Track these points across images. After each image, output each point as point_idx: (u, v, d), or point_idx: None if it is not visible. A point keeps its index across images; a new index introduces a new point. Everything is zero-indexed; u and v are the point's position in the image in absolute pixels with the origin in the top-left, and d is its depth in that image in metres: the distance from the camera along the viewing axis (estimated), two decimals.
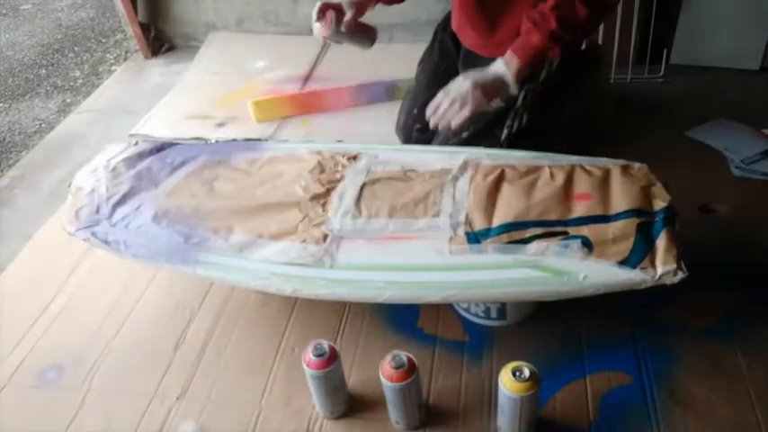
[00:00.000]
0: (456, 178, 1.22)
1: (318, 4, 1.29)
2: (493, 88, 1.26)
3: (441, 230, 1.12)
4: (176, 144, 1.44)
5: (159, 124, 2.13)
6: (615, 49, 2.08)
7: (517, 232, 1.09)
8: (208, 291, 1.44)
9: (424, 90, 1.61)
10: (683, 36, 2.12)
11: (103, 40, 3.04)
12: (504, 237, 1.09)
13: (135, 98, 2.36)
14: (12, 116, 2.48)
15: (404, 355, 1.04)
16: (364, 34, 1.38)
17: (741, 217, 1.52)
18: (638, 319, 1.28)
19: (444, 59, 1.58)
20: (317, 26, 1.32)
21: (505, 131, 1.38)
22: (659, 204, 1.12)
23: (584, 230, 1.08)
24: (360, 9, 1.33)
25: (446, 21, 1.58)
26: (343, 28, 1.31)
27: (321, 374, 1.07)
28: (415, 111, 1.60)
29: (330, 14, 1.29)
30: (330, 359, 1.06)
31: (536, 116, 1.38)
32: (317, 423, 1.16)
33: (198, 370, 1.27)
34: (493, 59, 1.28)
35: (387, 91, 2.12)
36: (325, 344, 1.07)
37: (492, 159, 1.26)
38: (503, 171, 1.22)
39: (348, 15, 1.31)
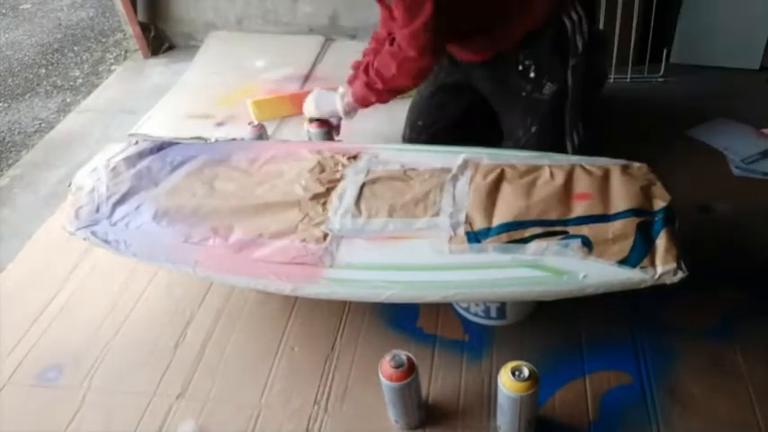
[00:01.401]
0: (456, 178, 1.22)
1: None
2: (326, 109, 1.54)
3: (440, 230, 1.12)
4: (176, 143, 1.44)
5: (159, 124, 2.13)
6: (615, 48, 2.08)
7: (517, 232, 1.09)
8: (208, 290, 1.44)
9: (426, 101, 1.64)
10: (682, 36, 2.12)
11: (103, 40, 3.04)
12: (504, 236, 1.09)
13: (135, 98, 2.36)
14: (11, 116, 2.48)
15: (403, 355, 1.04)
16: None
17: (741, 217, 1.52)
18: (638, 318, 1.28)
19: (443, 68, 1.57)
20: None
21: (570, 148, 1.48)
22: (659, 204, 1.12)
23: (584, 230, 1.08)
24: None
25: None
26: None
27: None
28: (420, 123, 1.61)
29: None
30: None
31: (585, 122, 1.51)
32: (316, 422, 1.16)
33: (198, 369, 1.27)
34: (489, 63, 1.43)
35: None
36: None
37: (492, 159, 1.26)
38: (503, 171, 1.22)
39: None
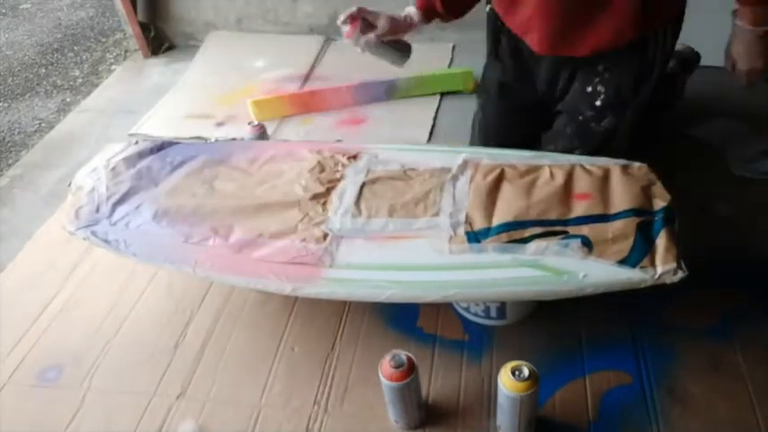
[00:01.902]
0: (456, 177, 1.22)
1: (351, 11, 1.23)
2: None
3: (440, 230, 1.13)
4: (176, 143, 1.44)
5: (159, 123, 2.14)
6: None
7: (517, 231, 1.09)
8: (208, 290, 1.44)
9: (497, 120, 1.52)
10: (682, 35, 2.12)
11: (103, 40, 3.04)
12: (504, 236, 1.09)
13: (135, 97, 2.36)
14: (11, 116, 2.48)
15: (403, 355, 1.04)
16: (394, 49, 1.28)
17: (741, 217, 1.52)
18: (638, 318, 1.28)
19: (515, 81, 1.42)
20: (343, 28, 1.26)
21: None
22: (659, 204, 1.12)
23: (584, 230, 1.08)
24: (394, 28, 1.25)
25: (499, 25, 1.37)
26: (362, 42, 1.24)
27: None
28: (494, 143, 1.50)
29: (358, 25, 1.22)
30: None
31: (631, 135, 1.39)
32: (316, 422, 1.16)
33: (198, 369, 1.27)
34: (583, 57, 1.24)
35: (386, 90, 2.12)
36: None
37: (492, 159, 1.26)
38: (503, 170, 1.22)
39: (375, 32, 1.24)
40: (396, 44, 1.28)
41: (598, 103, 1.28)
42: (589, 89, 1.28)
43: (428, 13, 1.28)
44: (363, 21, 1.23)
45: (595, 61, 1.25)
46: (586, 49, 1.22)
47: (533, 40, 1.27)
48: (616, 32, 1.18)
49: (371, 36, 1.24)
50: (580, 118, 1.32)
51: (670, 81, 1.82)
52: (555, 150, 1.36)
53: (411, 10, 1.27)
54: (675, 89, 1.87)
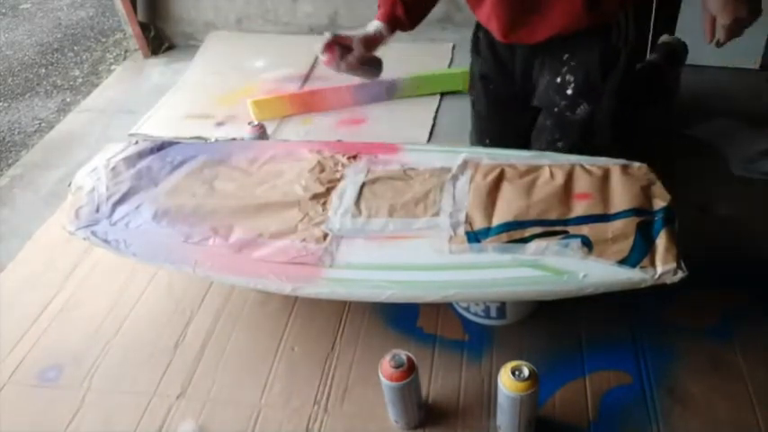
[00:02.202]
0: (456, 177, 1.22)
1: (326, 39, 1.22)
2: None
3: (440, 230, 1.13)
4: (176, 143, 1.44)
5: (159, 123, 2.14)
6: None
7: (517, 231, 1.09)
8: (208, 290, 1.44)
9: (487, 118, 1.54)
10: (683, 35, 2.12)
11: (103, 40, 3.04)
12: (504, 236, 1.09)
13: (134, 97, 2.36)
14: (11, 115, 2.48)
15: (403, 355, 1.04)
16: (370, 67, 1.31)
17: (741, 217, 1.52)
18: (638, 318, 1.28)
19: (495, 73, 1.43)
20: (321, 57, 1.26)
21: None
22: (659, 204, 1.12)
23: (584, 230, 1.08)
24: (368, 46, 1.25)
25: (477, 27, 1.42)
26: (343, 66, 1.25)
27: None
28: (488, 141, 1.54)
29: (335, 51, 1.23)
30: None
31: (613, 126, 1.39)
32: (316, 422, 1.16)
33: (198, 369, 1.27)
34: (545, 44, 1.24)
35: (387, 90, 2.12)
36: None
37: (492, 158, 1.26)
38: (503, 170, 1.22)
39: (353, 55, 1.24)
40: (370, 61, 1.29)
41: (569, 91, 1.30)
42: (558, 80, 1.30)
43: (392, 24, 1.27)
44: (339, 45, 1.23)
45: (559, 48, 1.27)
46: (543, 33, 1.24)
47: (494, 28, 1.29)
48: (570, 16, 1.20)
49: (351, 60, 1.24)
50: (555, 109, 1.33)
51: (655, 74, 1.82)
52: (540, 147, 1.38)
53: (378, 24, 1.26)
54: (663, 82, 1.86)
